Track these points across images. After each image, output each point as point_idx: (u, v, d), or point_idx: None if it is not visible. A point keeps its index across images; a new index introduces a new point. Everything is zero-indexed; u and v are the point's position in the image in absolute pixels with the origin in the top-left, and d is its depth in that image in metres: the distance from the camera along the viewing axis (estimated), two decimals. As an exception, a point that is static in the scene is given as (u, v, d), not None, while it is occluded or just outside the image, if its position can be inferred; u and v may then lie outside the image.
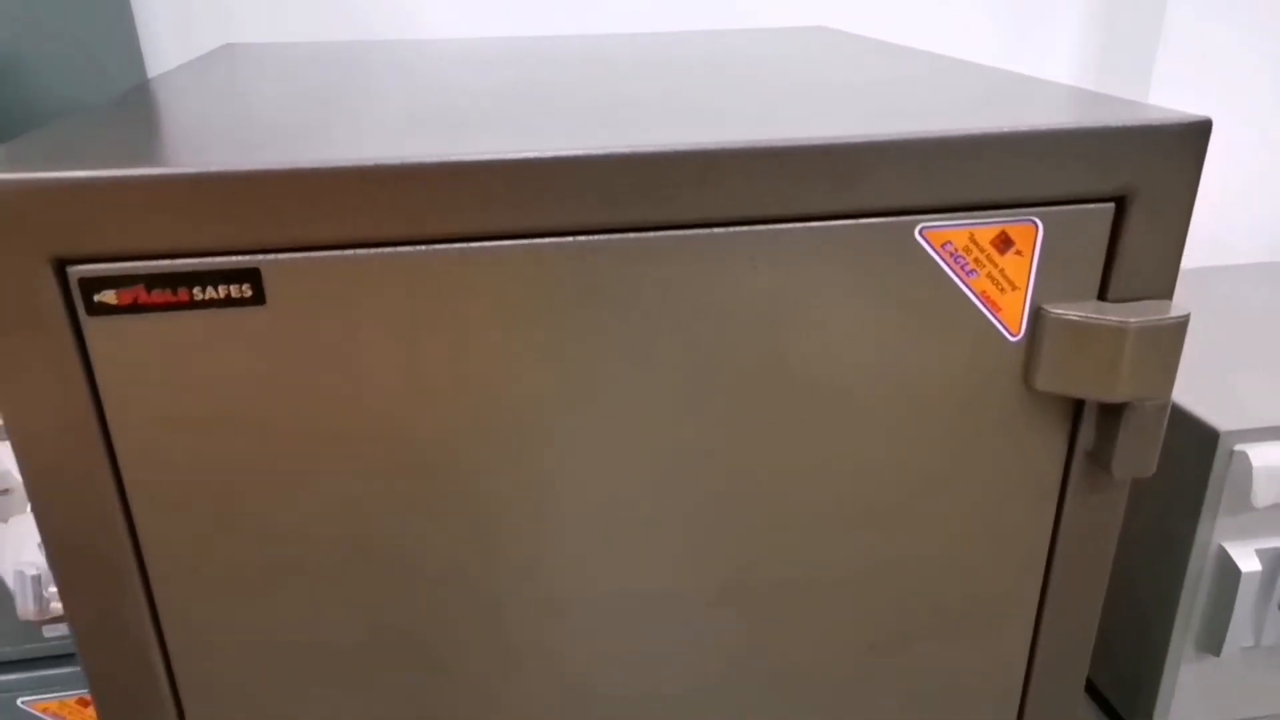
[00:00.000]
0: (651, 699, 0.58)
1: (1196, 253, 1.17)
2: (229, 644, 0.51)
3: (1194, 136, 0.49)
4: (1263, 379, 0.78)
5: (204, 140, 0.47)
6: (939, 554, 0.58)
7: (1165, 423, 0.53)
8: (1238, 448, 0.71)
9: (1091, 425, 0.55)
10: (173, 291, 0.43)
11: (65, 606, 0.49)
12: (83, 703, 0.82)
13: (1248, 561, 0.73)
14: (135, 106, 0.56)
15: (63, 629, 0.79)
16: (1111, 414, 0.53)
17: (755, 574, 0.56)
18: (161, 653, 0.51)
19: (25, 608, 0.76)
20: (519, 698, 0.56)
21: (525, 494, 0.51)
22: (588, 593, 0.54)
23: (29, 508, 0.74)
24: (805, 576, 0.57)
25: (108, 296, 0.43)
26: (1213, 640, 0.77)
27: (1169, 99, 1.07)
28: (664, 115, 0.52)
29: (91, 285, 0.42)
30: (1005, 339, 0.53)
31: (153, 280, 0.43)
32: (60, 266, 0.42)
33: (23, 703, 0.80)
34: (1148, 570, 0.79)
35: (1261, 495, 0.70)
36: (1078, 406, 0.55)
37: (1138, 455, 0.53)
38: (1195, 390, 0.76)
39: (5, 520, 0.75)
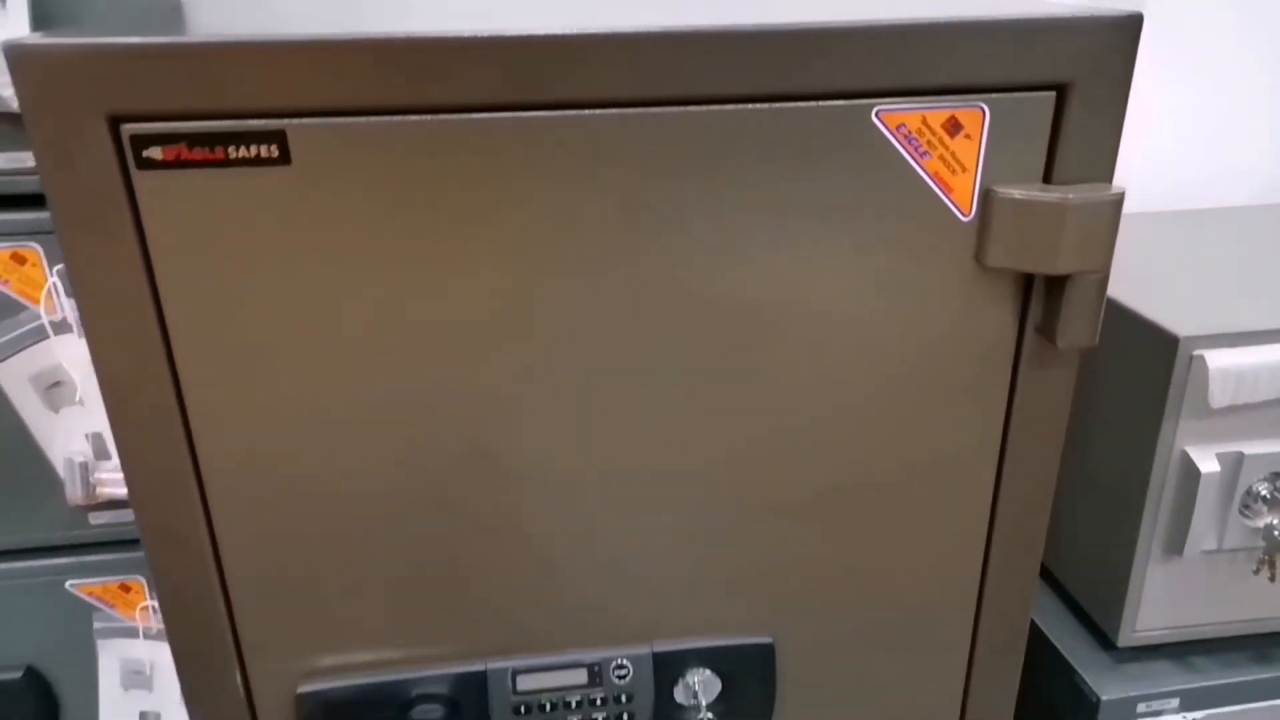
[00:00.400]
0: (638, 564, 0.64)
1: (1190, 196, 1.21)
2: (260, 481, 0.58)
3: (1127, 30, 0.54)
4: (1223, 294, 0.83)
5: (237, 23, 0.54)
6: (898, 431, 0.63)
7: (1105, 296, 0.58)
8: (1196, 352, 0.75)
9: (1039, 301, 0.60)
10: (210, 150, 0.50)
11: (118, 442, 0.55)
12: (124, 588, 0.89)
13: (1207, 463, 0.78)
14: (169, 10, 0.63)
15: (108, 516, 0.86)
16: (1056, 288, 0.58)
17: (723, 447, 0.61)
18: (200, 491, 0.58)
19: (74, 493, 0.83)
20: (519, 550, 0.63)
21: (530, 347, 0.57)
22: (571, 466, 0.61)
23: (78, 396, 0.82)
24: (772, 453, 0.62)
25: (154, 153, 0.49)
26: (1178, 542, 0.81)
27: (1162, 44, 1.11)
28: (645, 7, 0.58)
29: (141, 142, 0.49)
30: (958, 219, 0.58)
31: (193, 139, 0.49)
32: (114, 124, 0.48)
33: (70, 585, 0.88)
34: (1114, 475, 0.83)
35: (1218, 396, 0.75)
36: (1027, 285, 0.60)
37: (1080, 326, 0.58)
38: (1159, 303, 0.80)
39: (57, 411, 0.82)
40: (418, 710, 0.64)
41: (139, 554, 0.87)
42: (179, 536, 0.59)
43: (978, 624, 0.70)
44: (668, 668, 0.66)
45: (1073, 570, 0.92)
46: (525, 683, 0.64)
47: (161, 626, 0.90)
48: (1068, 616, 0.91)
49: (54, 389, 0.81)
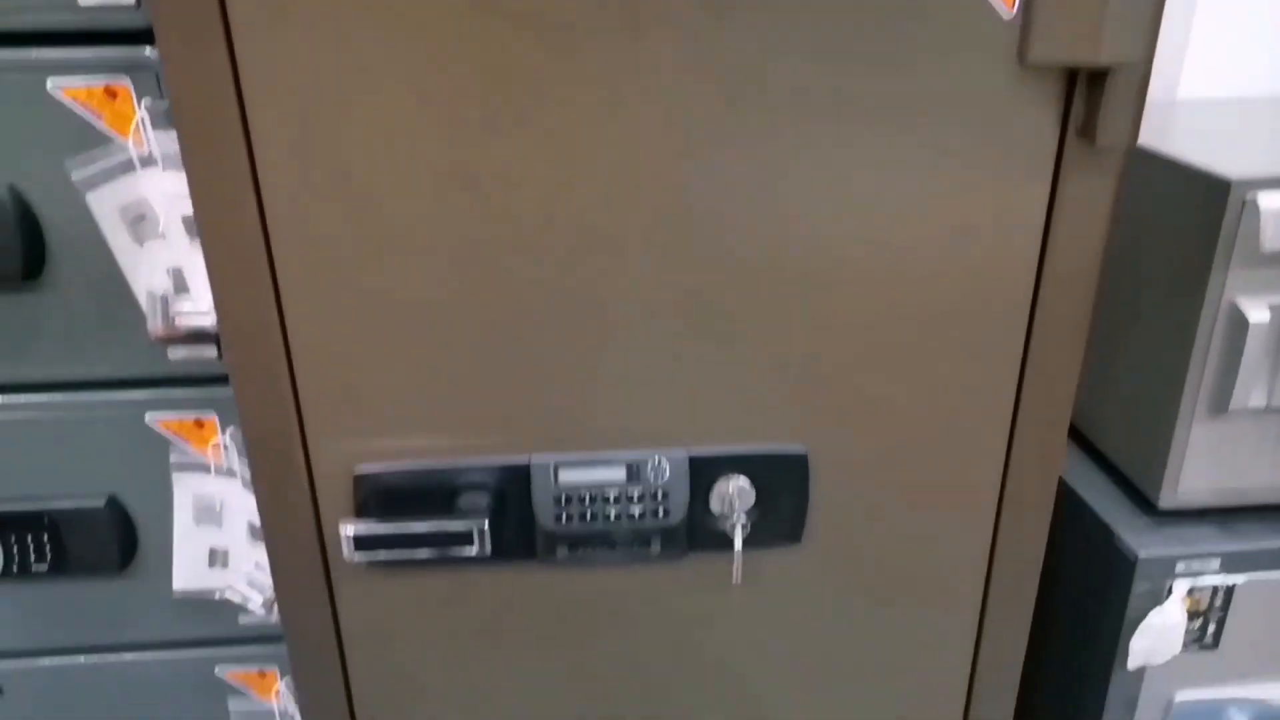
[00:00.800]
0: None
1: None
2: (327, 273, 0.62)
3: None
4: (1276, 142, 0.82)
5: None
6: (936, 239, 0.64)
7: (1145, 94, 0.58)
8: (1249, 196, 0.74)
9: (1081, 102, 0.60)
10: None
11: (199, 222, 0.60)
12: (198, 424, 0.94)
13: (1258, 313, 0.77)
14: None
15: (184, 352, 0.92)
16: (1096, 86, 0.59)
17: (762, 256, 0.64)
18: (273, 282, 0.62)
19: (155, 325, 0.89)
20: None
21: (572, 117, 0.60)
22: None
23: (161, 230, 0.87)
24: (810, 262, 0.64)
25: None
26: (1223, 400, 0.81)
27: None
28: None
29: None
30: (1001, 17, 0.59)
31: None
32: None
33: (149, 419, 0.93)
34: (1159, 329, 0.83)
35: (1270, 238, 0.74)
36: (1069, 87, 0.60)
37: (1119, 123, 0.59)
38: (1214, 154, 0.80)
39: (141, 244, 0.87)
40: (464, 498, 0.67)
41: (213, 391, 0.93)
42: (253, 327, 0.64)
43: (1009, 455, 0.71)
44: (703, 472, 0.69)
45: (1113, 433, 0.92)
46: (567, 476, 0.68)
47: (231, 465, 0.96)
48: (1106, 482, 0.91)
49: (139, 222, 0.86)
